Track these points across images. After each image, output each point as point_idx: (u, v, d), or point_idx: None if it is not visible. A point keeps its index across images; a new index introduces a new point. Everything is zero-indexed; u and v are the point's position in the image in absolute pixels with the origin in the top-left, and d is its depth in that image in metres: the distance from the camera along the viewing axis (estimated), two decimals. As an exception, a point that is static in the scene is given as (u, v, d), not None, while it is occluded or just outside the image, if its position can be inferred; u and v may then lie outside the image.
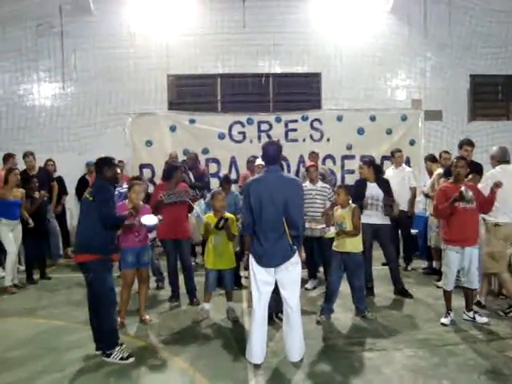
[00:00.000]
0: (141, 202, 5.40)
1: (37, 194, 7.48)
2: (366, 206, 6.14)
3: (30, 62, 10.41)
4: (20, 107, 10.46)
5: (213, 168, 10.38)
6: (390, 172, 7.93)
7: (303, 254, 6.65)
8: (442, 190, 5.39)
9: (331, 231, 5.41)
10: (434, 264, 7.35)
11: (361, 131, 10.52)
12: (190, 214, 6.67)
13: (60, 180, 9.11)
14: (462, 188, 5.04)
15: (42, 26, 10.26)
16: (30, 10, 10.18)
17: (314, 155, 8.64)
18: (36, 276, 7.53)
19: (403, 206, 7.54)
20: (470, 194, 5.05)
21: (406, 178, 7.81)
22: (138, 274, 5.49)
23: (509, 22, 10.78)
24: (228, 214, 5.62)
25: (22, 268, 7.98)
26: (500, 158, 5.75)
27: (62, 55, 10.37)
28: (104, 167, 4.63)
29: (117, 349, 4.44)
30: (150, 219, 5.17)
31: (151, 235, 5.98)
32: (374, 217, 6.18)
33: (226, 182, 7.00)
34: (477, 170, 6.08)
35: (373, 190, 6.24)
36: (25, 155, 8.31)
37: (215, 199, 5.66)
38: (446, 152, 7.53)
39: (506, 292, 5.85)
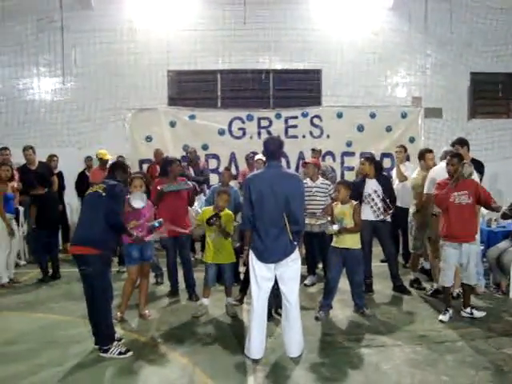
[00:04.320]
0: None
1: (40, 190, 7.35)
2: (363, 201, 6.15)
3: (30, 57, 10.39)
4: (20, 102, 10.44)
5: (212, 164, 10.36)
6: (394, 172, 7.90)
7: (303, 250, 6.66)
8: (441, 184, 5.41)
9: (334, 228, 5.35)
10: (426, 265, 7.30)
11: (361, 128, 10.50)
12: (190, 209, 6.66)
13: (60, 175, 9.09)
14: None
15: (43, 20, 10.24)
16: (31, 4, 10.17)
17: (315, 152, 8.64)
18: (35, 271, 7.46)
19: (404, 203, 7.52)
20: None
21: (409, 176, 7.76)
22: (140, 268, 5.49)
23: (510, 20, 10.77)
24: (226, 211, 5.62)
25: (23, 263, 7.99)
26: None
27: (62, 50, 10.33)
28: (119, 171, 4.77)
29: (114, 344, 4.46)
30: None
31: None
32: (373, 213, 6.19)
33: (226, 169, 7.10)
34: (477, 168, 6.11)
35: (372, 186, 6.24)
36: (24, 149, 8.29)
37: (219, 198, 5.61)
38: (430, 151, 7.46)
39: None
